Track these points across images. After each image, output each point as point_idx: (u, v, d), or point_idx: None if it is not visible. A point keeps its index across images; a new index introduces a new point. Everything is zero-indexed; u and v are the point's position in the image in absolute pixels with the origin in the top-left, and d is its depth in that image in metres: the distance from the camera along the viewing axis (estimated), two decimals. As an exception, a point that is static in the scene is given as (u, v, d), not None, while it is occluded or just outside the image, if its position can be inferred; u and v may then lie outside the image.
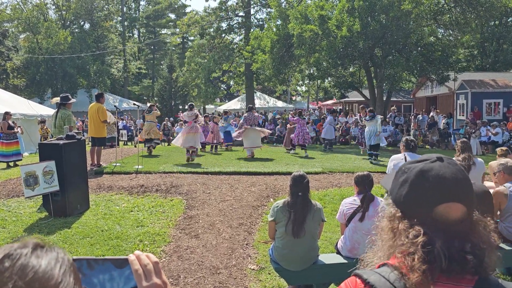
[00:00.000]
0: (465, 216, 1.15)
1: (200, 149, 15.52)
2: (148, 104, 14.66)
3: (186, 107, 14.43)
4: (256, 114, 14.42)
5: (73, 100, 10.09)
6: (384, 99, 22.70)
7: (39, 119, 18.66)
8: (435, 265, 1.08)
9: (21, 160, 13.19)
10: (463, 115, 22.85)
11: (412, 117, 23.27)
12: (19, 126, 14.33)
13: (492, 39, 31.31)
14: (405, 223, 1.16)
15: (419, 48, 20.57)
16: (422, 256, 1.09)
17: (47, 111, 20.24)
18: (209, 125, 16.37)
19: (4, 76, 37.85)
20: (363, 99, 24.32)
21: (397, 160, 6.43)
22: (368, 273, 1.17)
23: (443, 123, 21.07)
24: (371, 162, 13.02)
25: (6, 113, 13.36)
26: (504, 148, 6.82)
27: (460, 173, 1.18)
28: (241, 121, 15.22)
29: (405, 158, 6.30)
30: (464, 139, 6.21)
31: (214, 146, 16.38)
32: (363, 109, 14.83)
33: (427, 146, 19.49)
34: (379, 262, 1.21)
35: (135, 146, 16.96)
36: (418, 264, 1.08)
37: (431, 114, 22.11)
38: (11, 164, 12.90)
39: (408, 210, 1.18)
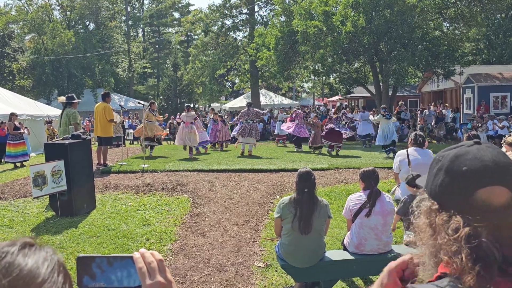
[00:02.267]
0: (511, 202, 0.99)
1: (210, 147, 15.94)
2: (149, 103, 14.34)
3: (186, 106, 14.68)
4: (255, 109, 14.46)
5: (78, 100, 10.21)
6: (390, 94, 22.59)
7: (46, 119, 18.74)
8: (489, 261, 0.93)
9: (27, 160, 13.26)
10: (470, 110, 22.71)
11: (418, 112, 23.14)
12: (26, 127, 14.40)
13: (498, 32, 31.06)
14: (442, 216, 1.02)
15: (425, 43, 20.42)
16: (469, 253, 0.94)
17: (53, 111, 20.32)
18: (219, 123, 16.44)
19: (11, 77, 38.07)
20: (368, 94, 24.22)
21: (403, 155, 6.38)
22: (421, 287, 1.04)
23: (450, 117, 20.94)
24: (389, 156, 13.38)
25: (12, 114, 13.44)
26: None
27: (501, 155, 1.04)
28: (237, 116, 15.62)
29: (407, 153, 6.24)
30: (474, 133, 6.11)
31: (222, 144, 16.34)
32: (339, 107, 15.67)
33: (433, 141, 19.38)
34: (428, 266, 1.06)
35: (141, 145, 17.01)
36: (468, 263, 0.93)
37: (431, 108, 21.99)
38: (18, 164, 12.98)
39: (445, 200, 1.04)
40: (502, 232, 0.96)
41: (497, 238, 0.95)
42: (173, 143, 20.22)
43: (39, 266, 0.76)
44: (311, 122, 15.56)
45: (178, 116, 13.55)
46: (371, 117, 15.78)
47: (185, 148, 13.90)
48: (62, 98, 10.14)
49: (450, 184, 1.03)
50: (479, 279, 0.92)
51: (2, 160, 13.73)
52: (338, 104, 16.39)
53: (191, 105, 15.24)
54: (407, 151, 6.30)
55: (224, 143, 16.37)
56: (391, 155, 13.33)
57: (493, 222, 0.96)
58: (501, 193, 0.98)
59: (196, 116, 13.90)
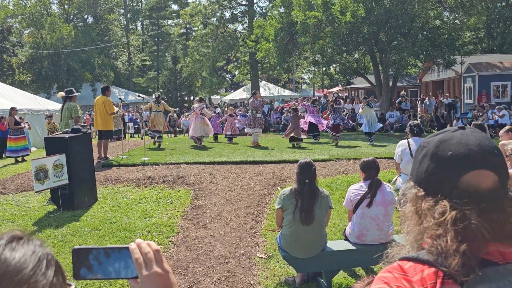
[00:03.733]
0: (498, 186, 0.98)
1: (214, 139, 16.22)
2: (155, 96, 14.73)
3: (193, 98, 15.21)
4: (259, 99, 14.62)
5: (77, 93, 10.20)
6: (390, 84, 22.53)
7: (46, 114, 18.74)
8: (477, 243, 0.92)
9: (28, 155, 13.28)
10: (470, 99, 22.65)
11: (419, 102, 23.09)
12: (26, 122, 14.40)
13: (498, 20, 30.87)
14: (428, 201, 1.01)
15: (425, 32, 20.31)
16: (454, 235, 0.93)
17: (53, 105, 20.31)
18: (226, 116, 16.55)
19: (10, 72, 38.00)
20: (369, 85, 24.16)
21: (404, 145, 6.39)
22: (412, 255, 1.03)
23: (450, 103, 20.88)
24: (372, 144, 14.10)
25: (12, 109, 13.43)
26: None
27: (486, 140, 1.03)
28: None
29: (408, 143, 6.26)
30: (477, 122, 6.11)
31: (229, 137, 16.17)
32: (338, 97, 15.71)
33: (434, 131, 19.36)
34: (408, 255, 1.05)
35: (142, 138, 17.07)
36: (453, 246, 0.93)
37: (426, 100, 22.00)
38: (19, 159, 12.99)
39: (431, 186, 1.03)
40: (491, 215, 0.95)
41: (486, 221, 0.94)
42: (173, 136, 20.22)
43: (26, 260, 0.75)
44: (289, 113, 14.78)
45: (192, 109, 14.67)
46: (360, 110, 16.02)
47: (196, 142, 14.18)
48: (61, 93, 10.13)
49: (436, 170, 1.03)
50: (464, 260, 0.92)
51: (3, 154, 13.75)
52: (334, 96, 16.32)
53: (203, 97, 16.18)
54: (408, 141, 6.31)
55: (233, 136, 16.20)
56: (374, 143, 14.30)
57: (481, 205, 0.95)
58: (487, 176, 0.99)
59: (202, 107, 14.45)
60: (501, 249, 0.96)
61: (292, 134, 13.83)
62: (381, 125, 14.99)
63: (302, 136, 14.27)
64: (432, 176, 1.04)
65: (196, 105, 14.51)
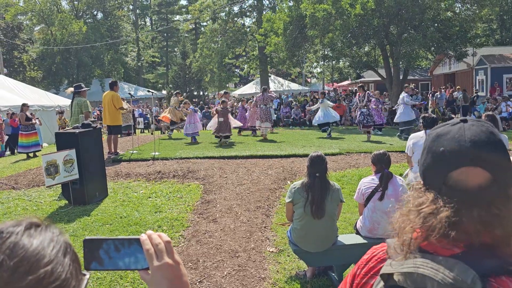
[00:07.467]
0: (488, 183, 0.94)
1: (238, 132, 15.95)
2: (174, 93, 15.44)
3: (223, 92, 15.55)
4: (270, 94, 14.70)
5: (86, 88, 10.10)
6: (401, 77, 22.31)
7: (57, 110, 18.86)
8: (436, 235, 0.94)
9: (40, 150, 13.39)
10: (482, 92, 22.36)
11: (430, 95, 22.86)
12: (37, 118, 14.51)
13: (511, 12, 30.39)
14: (419, 191, 1.03)
15: (436, 24, 20.04)
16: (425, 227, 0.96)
17: (64, 101, 20.43)
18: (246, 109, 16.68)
19: (21, 68, 38.32)
20: (379, 78, 23.95)
21: (416, 138, 6.31)
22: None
23: (460, 97, 20.65)
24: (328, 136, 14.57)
25: (24, 105, 13.53)
26: None
27: (484, 135, 0.98)
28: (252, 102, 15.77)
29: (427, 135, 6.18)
30: (489, 113, 6.01)
31: (239, 130, 16.13)
32: (360, 89, 14.93)
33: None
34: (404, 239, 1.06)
35: (152, 134, 17.13)
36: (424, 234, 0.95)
37: (437, 93, 21.77)
38: (31, 155, 13.11)
39: (426, 180, 1.04)
40: (472, 211, 0.94)
41: (459, 216, 0.94)
42: (182, 131, 20.25)
43: (44, 247, 0.75)
44: (219, 109, 13.25)
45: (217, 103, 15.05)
46: (316, 105, 15.88)
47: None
48: (70, 89, 10.10)
49: (429, 165, 1.03)
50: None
51: (15, 150, 13.87)
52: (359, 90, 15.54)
53: (227, 91, 16.38)
54: (426, 132, 6.22)
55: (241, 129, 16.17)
56: (325, 134, 14.82)
57: (464, 202, 0.94)
58: (477, 174, 0.95)
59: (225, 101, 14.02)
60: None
61: (218, 134, 12.95)
62: (318, 122, 15.18)
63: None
64: (426, 170, 1.04)
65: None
